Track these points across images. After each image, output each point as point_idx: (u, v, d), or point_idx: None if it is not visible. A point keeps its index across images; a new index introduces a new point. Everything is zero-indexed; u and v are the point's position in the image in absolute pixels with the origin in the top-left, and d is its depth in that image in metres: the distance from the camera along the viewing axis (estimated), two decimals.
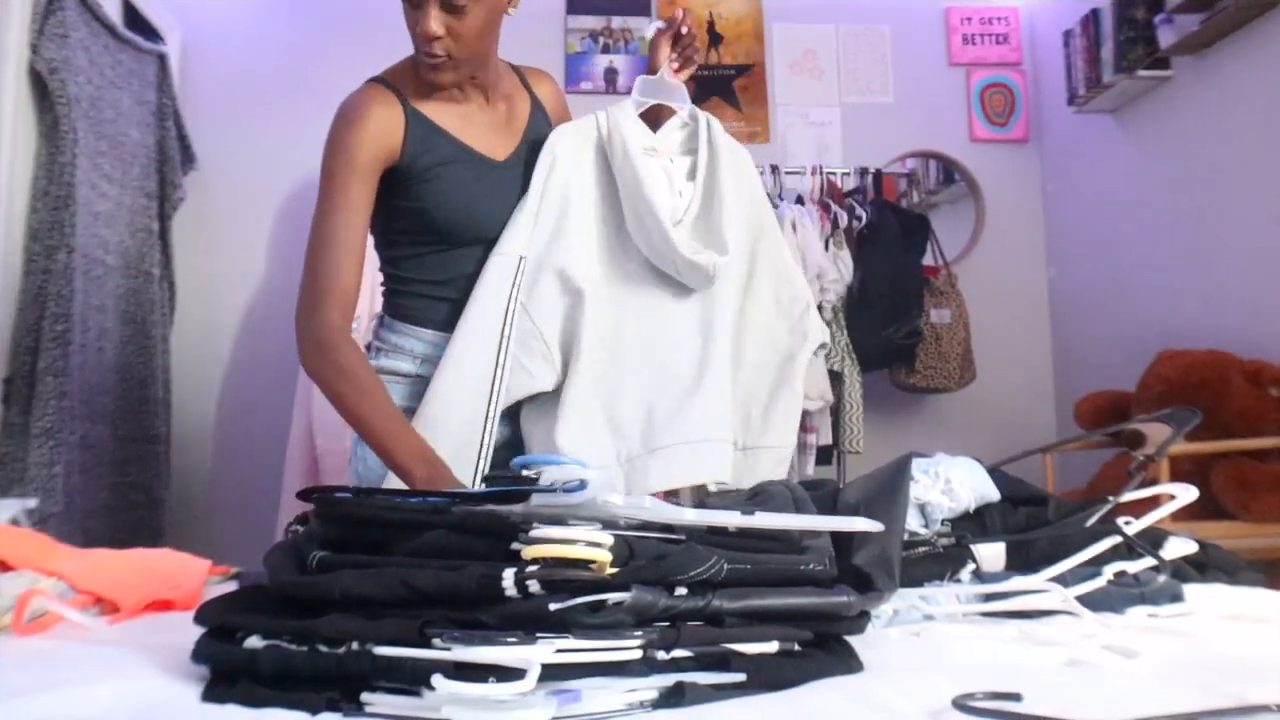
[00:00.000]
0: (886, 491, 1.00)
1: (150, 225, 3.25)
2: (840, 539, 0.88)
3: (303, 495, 0.82)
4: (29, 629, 0.90)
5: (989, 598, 1.00)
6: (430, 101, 1.56)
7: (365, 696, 0.65)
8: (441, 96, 1.57)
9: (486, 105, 1.62)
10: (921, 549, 1.04)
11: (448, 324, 1.57)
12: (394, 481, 1.40)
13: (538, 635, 0.63)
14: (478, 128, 1.60)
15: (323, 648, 0.67)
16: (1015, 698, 0.65)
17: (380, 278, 1.67)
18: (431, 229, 1.57)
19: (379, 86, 1.55)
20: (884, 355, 3.67)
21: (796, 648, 0.76)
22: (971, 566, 1.04)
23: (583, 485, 0.69)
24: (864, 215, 3.66)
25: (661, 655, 0.68)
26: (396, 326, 1.62)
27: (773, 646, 0.73)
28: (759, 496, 1.04)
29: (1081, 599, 0.95)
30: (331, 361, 1.43)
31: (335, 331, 1.44)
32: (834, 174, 3.81)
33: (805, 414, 3.45)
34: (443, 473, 1.35)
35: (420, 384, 1.57)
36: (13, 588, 0.94)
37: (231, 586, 1.19)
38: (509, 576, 0.64)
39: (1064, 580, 0.98)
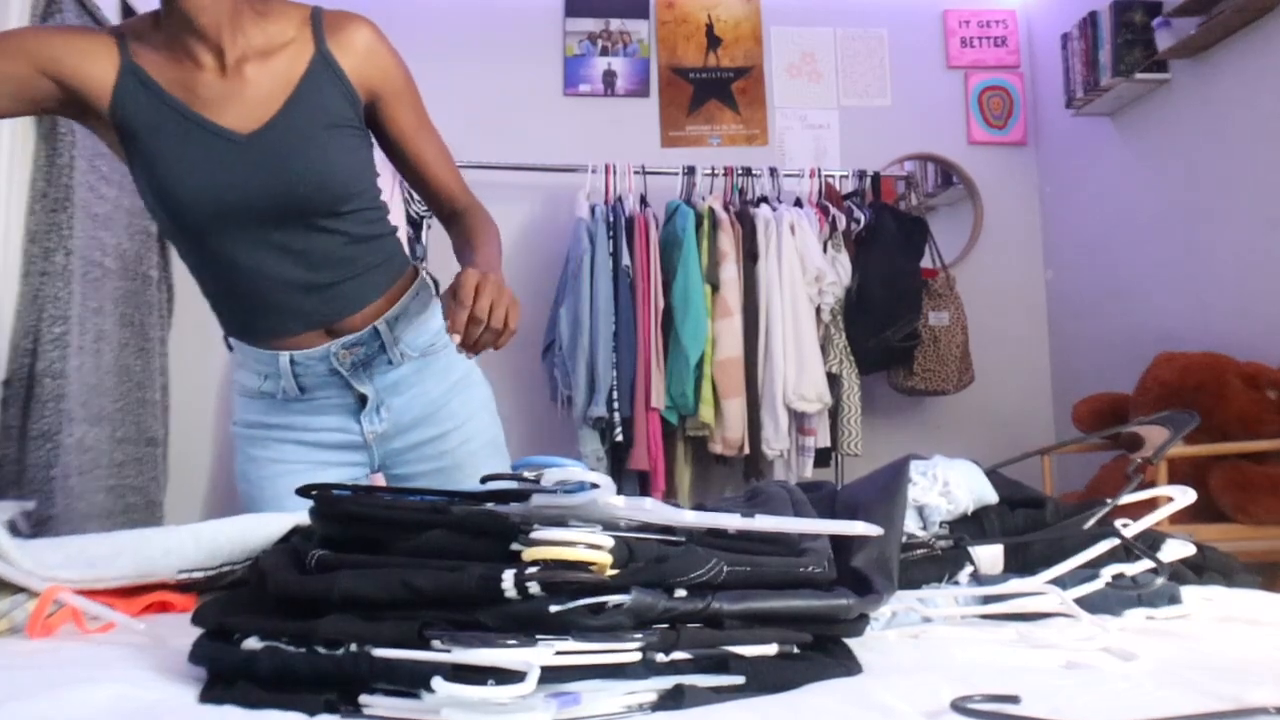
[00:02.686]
0: (885, 494, 1.00)
1: (149, 228, 3.25)
2: (839, 541, 0.88)
3: (302, 492, 0.82)
4: (45, 628, 0.90)
5: (987, 600, 1.00)
6: (156, 61, 1.31)
7: (363, 698, 0.65)
8: (166, 56, 1.31)
9: (223, 72, 1.31)
10: (920, 551, 1.04)
11: (247, 336, 1.46)
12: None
13: (537, 637, 0.63)
14: (210, 95, 1.31)
15: (321, 649, 0.67)
16: (1013, 700, 0.65)
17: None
18: (162, 211, 1.34)
19: (107, 30, 1.35)
20: (882, 358, 3.67)
21: (795, 650, 0.76)
22: (969, 569, 1.04)
23: (582, 487, 0.69)
24: (862, 218, 3.66)
25: (661, 657, 0.68)
26: (233, 341, 1.52)
27: (772, 649, 0.73)
28: (758, 498, 1.05)
29: (1079, 601, 0.95)
30: None
31: None
32: (832, 176, 3.82)
33: (804, 416, 3.46)
34: None
35: (266, 399, 1.50)
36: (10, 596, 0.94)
37: None
38: (509, 578, 0.64)
39: (1062, 582, 0.98)
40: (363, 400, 1.51)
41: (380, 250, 1.49)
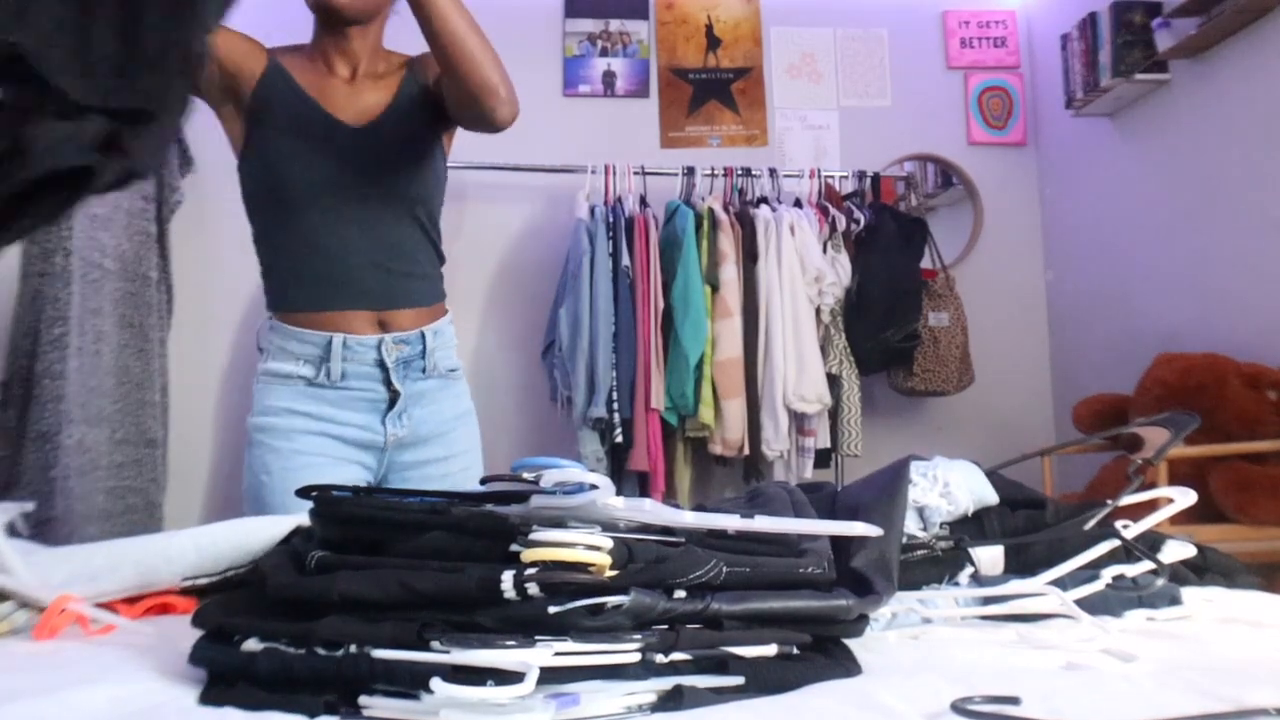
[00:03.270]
0: (885, 494, 1.00)
1: (148, 228, 3.25)
2: (839, 542, 0.88)
3: (302, 493, 0.82)
4: (49, 630, 0.90)
5: (987, 601, 1.00)
6: (296, 65, 1.62)
7: (363, 699, 0.65)
8: (305, 64, 1.62)
9: (351, 81, 1.64)
10: (920, 552, 1.04)
11: (310, 306, 1.60)
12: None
13: (536, 638, 0.63)
14: (336, 96, 1.62)
15: (321, 650, 0.67)
16: (1013, 701, 0.65)
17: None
18: (273, 185, 1.59)
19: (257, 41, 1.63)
20: (882, 358, 3.67)
21: (795, 651, 0.76)
22: (970, 570, 1.04)
23: (581, 488, 0.69)
24: (862, 218, 3.66)
25: (660, 658, 0.68)
26: (273, 324, 1.64)
27: (771, 649, 0.73)
28: (758, 499, 1.04)
29: (1080, 602, 0.95)
30: None
31: None
32: (832, 177, 3.82)
33: (804, 417, 3.46)
34: None
35: (303, 385, 1.60)
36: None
37: None
38: (508, 579, 0.64)
39: (1062, 584, 0.98)
40: (392, 401, 1.63)
41: (435, 265, 1.72)
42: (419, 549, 0.72)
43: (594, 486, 0.69)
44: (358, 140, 1.59)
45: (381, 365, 1.61)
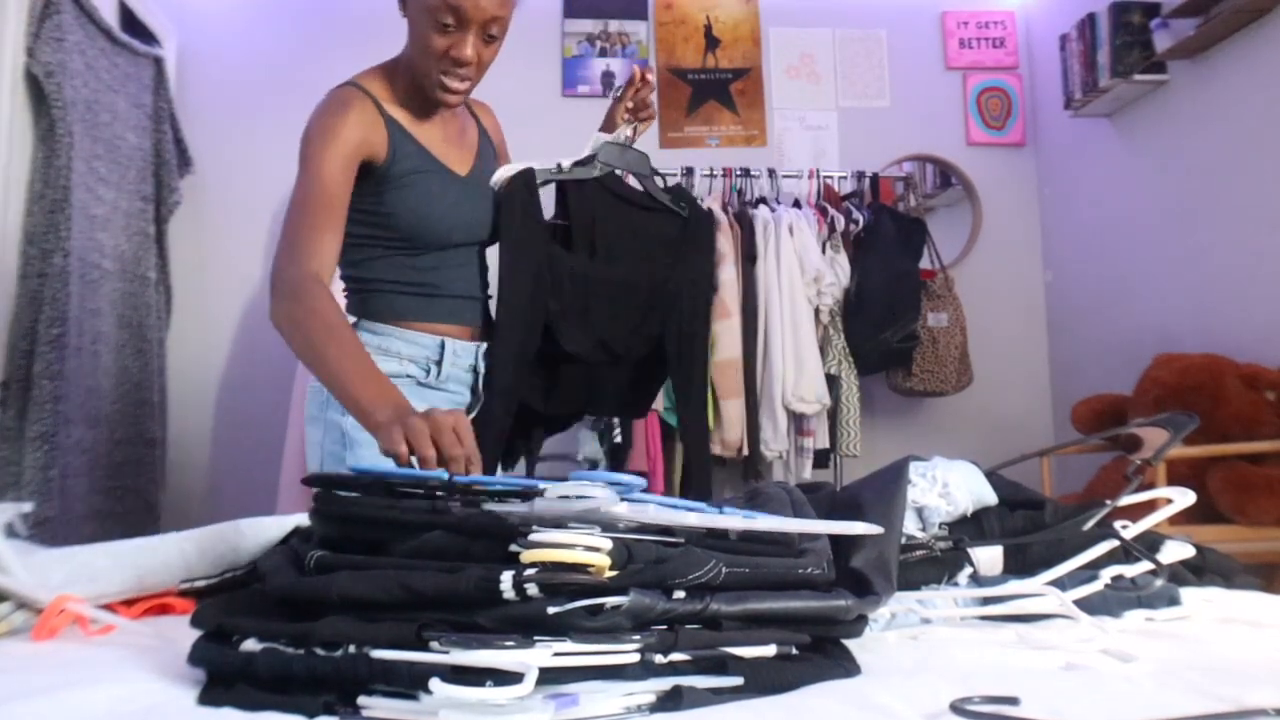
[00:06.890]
0: (884, 495, 1.00)
1: (146, 229, 3.25)
2: (838, 542, 0.88)
3: (308, 481, 0.82)
4: (49, 631, 0.90)
5: (986, 601, 1.00)
6: (400, 110, 1.63)
7: (362, 700, 0.65)
8: (412, 107, 1.64)
9: (444, 131, 1.71)
10: (919, 552, 1.04)
11: (419, 318, 1.66)
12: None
13: (535, 639, 0.63)
14: (441, 141, 1.69)
15: (319, 650, 0.67)
16: (1013, 701, 0.65)
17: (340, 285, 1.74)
18: (398, 234, 1.63)
19: (354, 89, 1.60)
20: (881, 359, 3.67)
21: (794, 651, 0.76)
22: (969, 570, 1.04)
23: (583, 497, 0.69)
24: (861, 219, 3.66)
25: (659, 659, 0.68)
26: (374, 328, 1.65)
27: (770, 650, 0.73)
28: (758, 499, 1.04)
29: (1079, 603, 0.95)
30: (305, 305, 1.35)
31: (313, 281, 1.39)
32: (831, 178, 3.82)
33: (803, 417, 3.46)
34: (411, 419, 1.15)
35: (413, 384, 1.63)
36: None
37: None
38: (507, 579, 0.64)
39: (1061, 584, 0.98)
40: (470, 408, 1.71)
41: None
42: (418, 549, 0.72)
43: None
44: (468, 186, 1.71)
45: (474, 371, 1.71)
